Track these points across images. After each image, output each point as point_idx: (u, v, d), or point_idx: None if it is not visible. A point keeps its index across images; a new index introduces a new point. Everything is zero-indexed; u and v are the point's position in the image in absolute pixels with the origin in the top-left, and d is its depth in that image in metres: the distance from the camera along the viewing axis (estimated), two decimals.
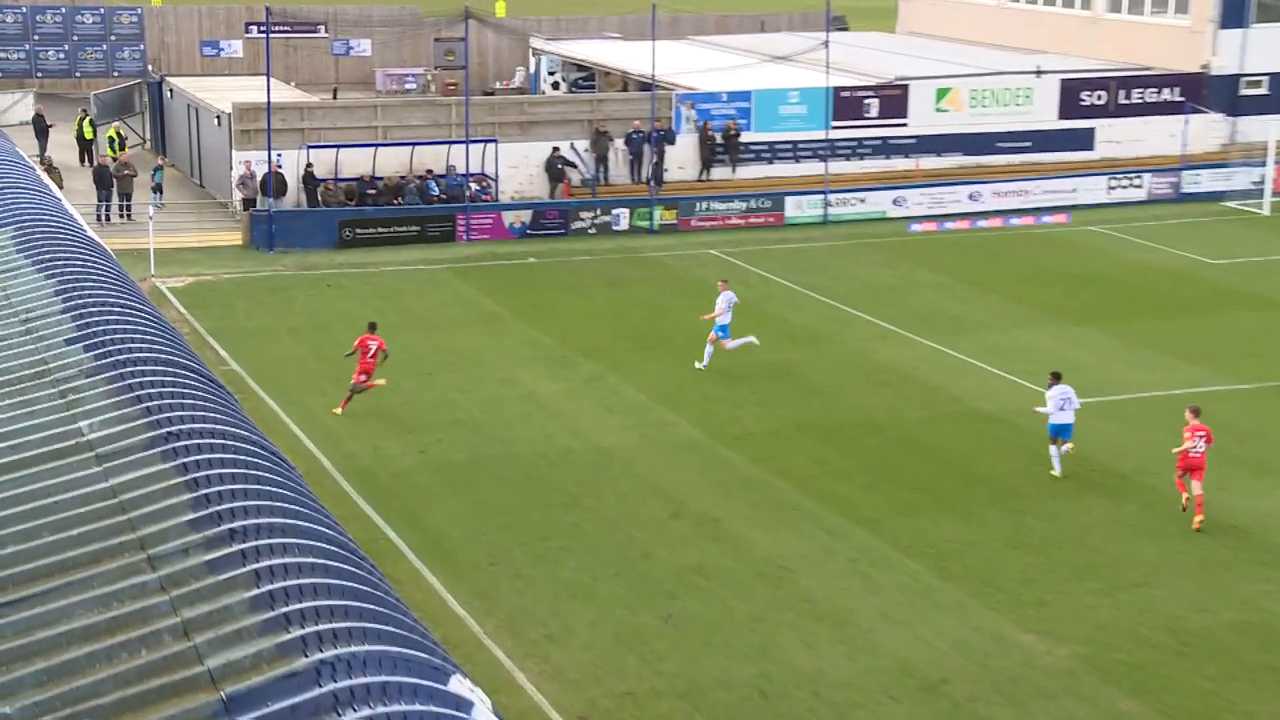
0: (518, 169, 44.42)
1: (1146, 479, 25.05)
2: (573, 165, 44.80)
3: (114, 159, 43.28)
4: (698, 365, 30.36)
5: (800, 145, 47.54)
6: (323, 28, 57.01)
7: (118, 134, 46.06)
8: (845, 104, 47.71)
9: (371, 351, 27.80)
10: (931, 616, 20.35)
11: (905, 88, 48.54)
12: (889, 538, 22.85)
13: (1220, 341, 32.73)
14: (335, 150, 42.52)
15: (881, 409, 28.72)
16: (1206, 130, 50.08)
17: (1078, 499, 24.32)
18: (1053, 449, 24.90)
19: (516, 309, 35.41)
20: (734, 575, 21.55)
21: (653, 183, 44.71)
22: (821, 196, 45.30)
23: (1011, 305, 33.80)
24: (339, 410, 27.77)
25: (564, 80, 57.18)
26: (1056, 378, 25.06)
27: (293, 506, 11.59)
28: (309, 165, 42.04)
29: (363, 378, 27.71)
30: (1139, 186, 47.37)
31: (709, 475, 25.32)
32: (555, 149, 44.51)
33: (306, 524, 11.41)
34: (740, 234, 43.60)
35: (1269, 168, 45.82)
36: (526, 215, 42.93)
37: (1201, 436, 23.04)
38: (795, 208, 45.14)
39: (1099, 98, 50.00)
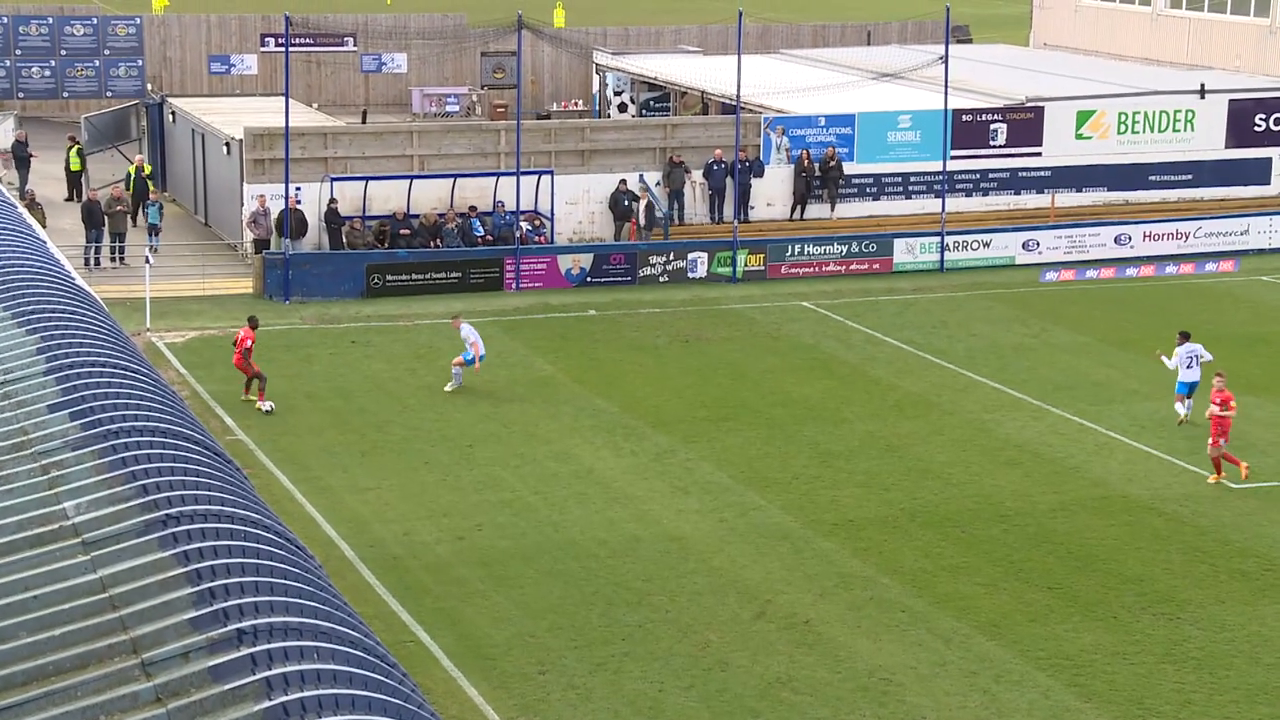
0: (577, 205, 44.91)
1: None
2: (641, 201, 45.21)
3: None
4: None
5: (912, 178, 47.71)
6: (351, 40, 58.00)
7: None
8: (967, 129, 47.87)
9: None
10: None
11: (1040, 110, 48.63)
12: (1017, 647, 22.74)
13: None
14: (363, 183, 43.24)
15: (1008, 493, 28.64)
16: None
17: (1250, 605, 24.10)
18: (1179, 405, 29.35)
19: (574, 371, 35.70)
20: (829, 689, 21.53)
21: (736, 222, 45.03)
22: (937, 239, 45.38)
23: (1166, 371, 33.53)
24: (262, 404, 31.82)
25: (633, 101, 57.79)
26: (1185, 336, 29.59)
27: (310, 603, 11.79)
28: (332, 201, 42.78)
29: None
30: None
31: (800, 569, 25.36)
32: (622, 182, 44.98)
33: (326, 624, 11.61)
34: (839, 283, 43.76)
35: None
36: (587, 260, 43.34)
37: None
38: (905, 252, 45.26)
39: (1277, 122, 49.78)
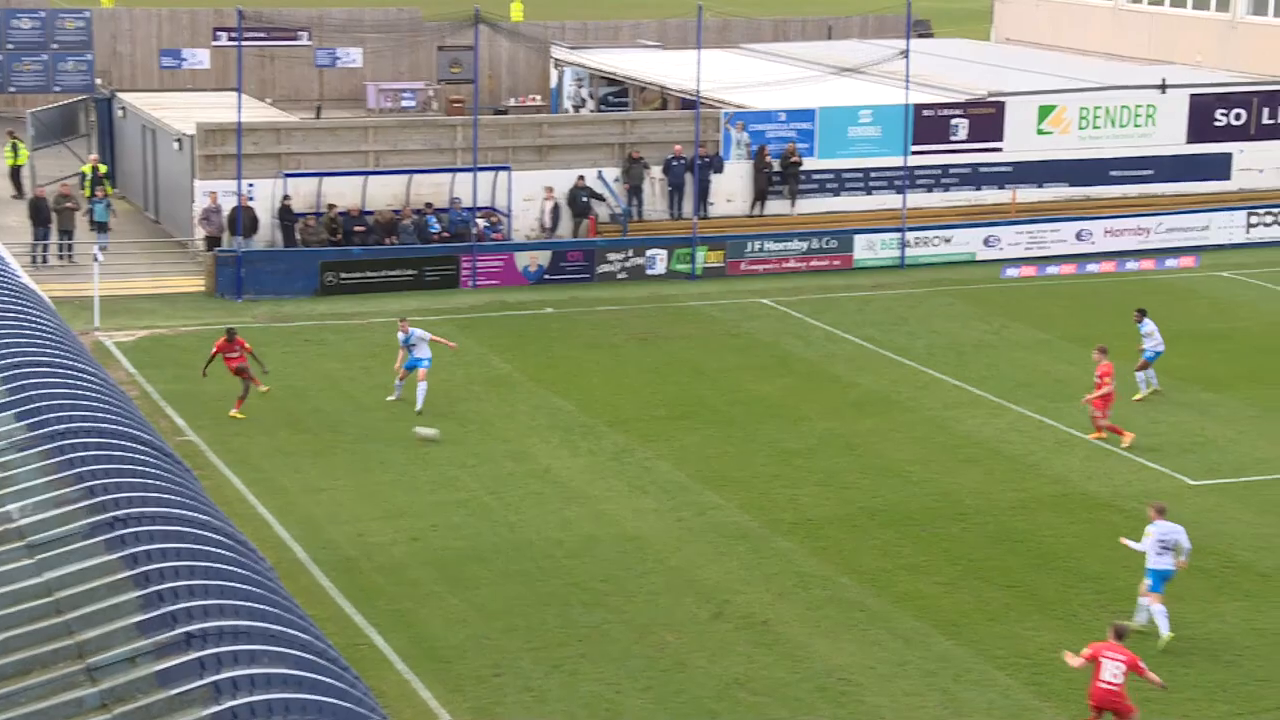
0: (534, 202, 44.95)
1: None
2: (600, 198, 45.29)
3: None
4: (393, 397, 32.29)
5: (873, 174, 47.90)
6: (305, 34, 57.91)
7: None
8: (928, 125, 48.11)
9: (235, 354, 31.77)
10: None
11: (1000, 105, 48.92)
12: (976, 646, 22.91)
13: None
14: (318, 180, 43.17)
15: (968, 491, 28.84)
16: None
17: (1209, 603, 24.33)
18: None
19: (530, 369, 35.76)
20: (787, 689, 21.66)
21: (696, 219, 45.14)
22: (898, 235, 45.61)
23: (1127, 366, 33.84)
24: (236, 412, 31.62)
25: (591, 97, 57.84)
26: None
27: (260, 606, 11.82)
28: (286, 198, 42.70)
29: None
30: None
31: (759, 569, 25.48)
32: (580, 179, 45.04)
33: (276, 627, 11.64)
34: (799, 279, 43.92)
35: None
36: (544, 257, 43.40)
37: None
38: (866, 248, 45.47)
39: (1237, 117, 50.19)
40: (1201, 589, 24.80)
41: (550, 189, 44.49)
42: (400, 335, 33.05)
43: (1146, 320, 33.63)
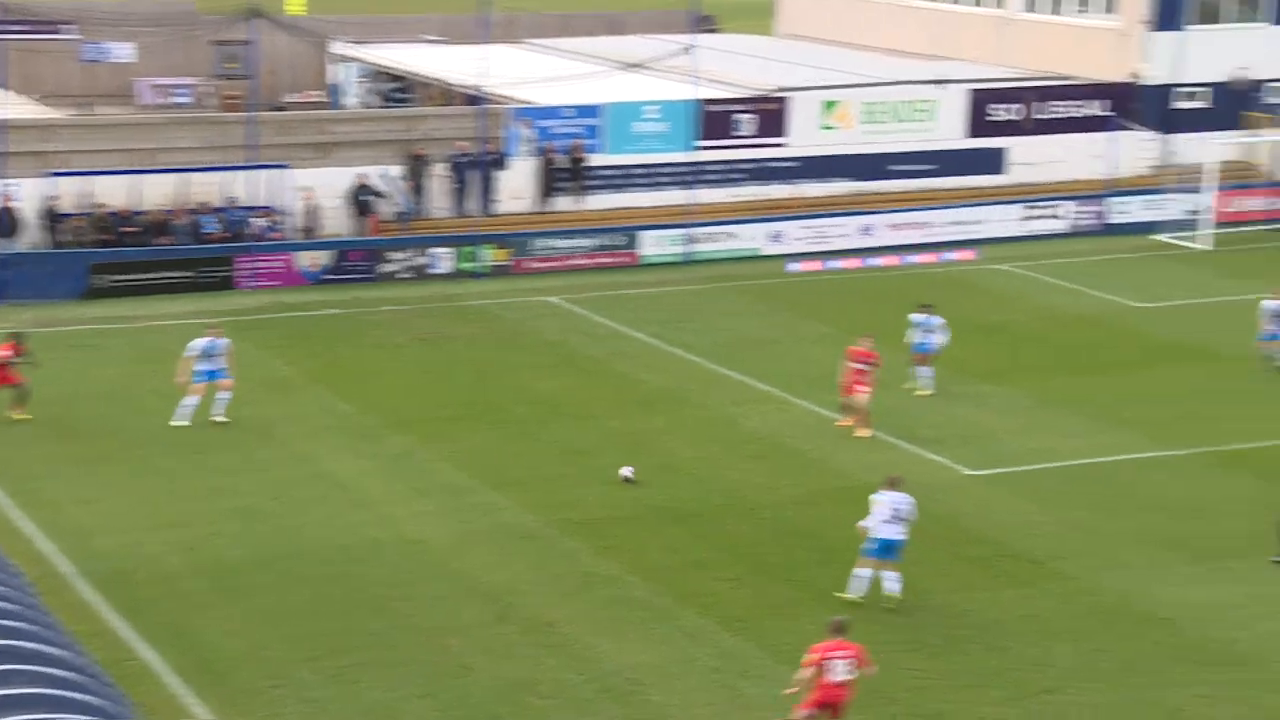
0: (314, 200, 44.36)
1: (1063, 565, 25.81)
2: (382, 195, 44.90)
3: None
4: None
5: (659, 170, 48.19)
6: (69, 28, 56.37)
7: None
8: (713, 120, 48.56)
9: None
10: None
11: (785, 101, 49.60)
12: (762, 642, 23.18)
13: (1152, 401, 33.88)
14: (86, 179, 42.08)
15: (754, 487, 29.18)
16: (1136, 150, 51.91)
17: (985, 591, 24.95)
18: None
19: (311, 372, 35.30)
20: (573, 691, 21.68)
21: (481, 216, 44.97)
22: (684, 231, 45.97)
23: (905, 357, 34.57)
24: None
25: (373, 93, 57.29)
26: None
27: (12, 623, 11.52)
28: (52, 198, 41.54)
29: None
30: (1059, 217, 48.92)
31: (544, 570, 25.48)
32: (361, 176, 44.59)
33: (30, 645, 11.35)
34: (586, 277, 44.04)
35: (1208, 195, 47.62)
36: (325, 257, 42.88)
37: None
38: (653, 245, 45.76)
39: (1013, 112, 51.59)
40: (977, 577, 25.43)
41: (308, 190, 43.68)
42: (202, 342, 31.81)
43: (933, 315, 34.23)
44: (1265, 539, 26.51)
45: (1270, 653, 22.88)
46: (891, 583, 24.07)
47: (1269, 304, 35.48)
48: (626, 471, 29.23)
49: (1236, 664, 22.62)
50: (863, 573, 24.16)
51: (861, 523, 24.23)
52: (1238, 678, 22.18)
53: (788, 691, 20.16)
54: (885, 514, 23.97)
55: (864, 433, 31.41)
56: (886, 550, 24.03)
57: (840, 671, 19.71)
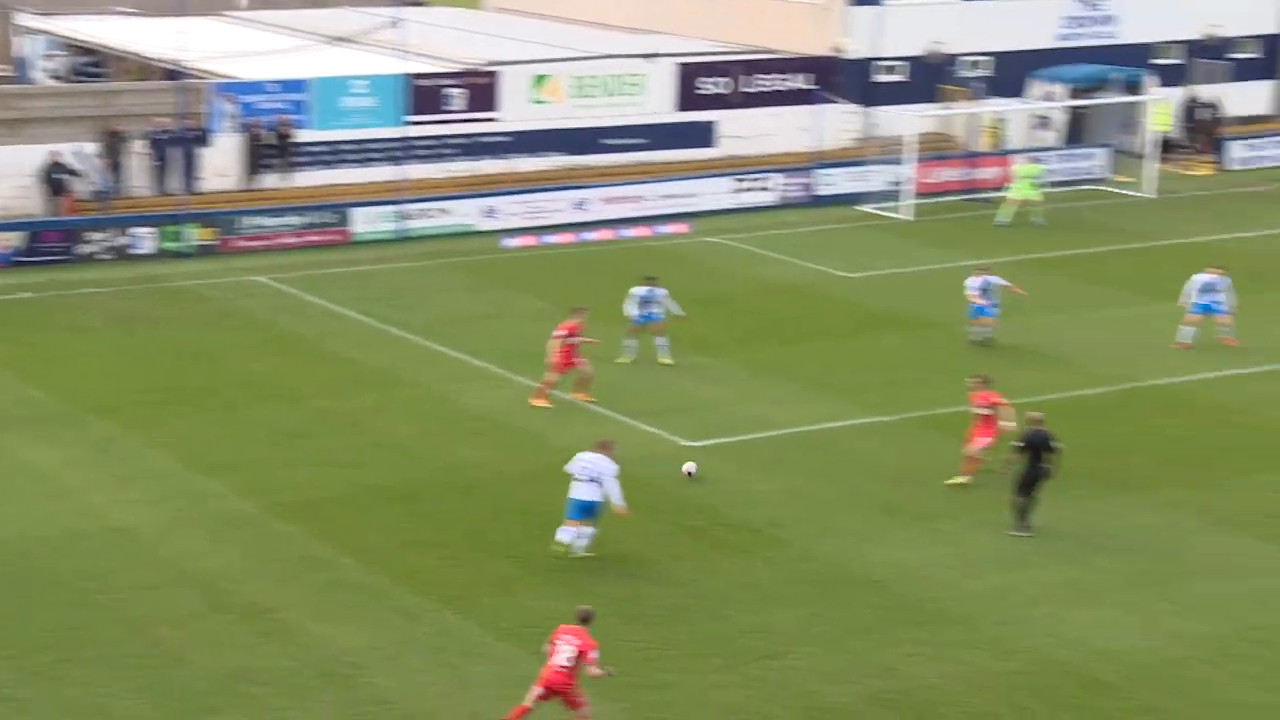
0: (4, 180, 42.63)
1: (780, 533, 26.32)
2: (77, 174, 43.37)
3: None
4: None
5: (369, 145, 47.67)
6: None
7: None
8: (423, 95, 48.20)
9: None
10: (533, 713, 20.69)
11: (495, 75, 49.45)
12: (482, 619, 23.14)
13: (859, 368, 34.77)
14: None
15: (473, 464, 29.07)
16: (840, 123, 53.18)
17: (704, 561, 25.30)
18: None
19: (4, 358, 33.98)
20: (292, 678, 21.34)
21: (184, 195, 43.81)
22: (396, 207, 45.51)
23: (622, 336, 34.83)
24: None
25: (64, 67, 55.28)
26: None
27: None
28: None
29: None
30: (768, 189, 49.82)
31: (259, 556, 24.99)
32: (54, 154, 43.00)
33: None
34: (296, 256, 43.27)
35: (909, 166, 49.05)
36: (17, 238, 41.27)
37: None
38: (364, 222, 45.19)
39: (721, 86, 52.33)
40: (696, 547, 25.77)
41: None
42: None
43: (656, 287, 34.41)
44: (970, 501, 27.45)
45: (976, 611, 23.69)
46: (580, 539, 24.76)
47: (973, 281, 36.21)
48: (690, 467, 28.51)
49: (945, 623, 23.36)
50: (566, 531, 24.80)
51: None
52: (947, 637, 22.91)
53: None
54: (579, 475, 24.65)
55: (540, 402, 31.70)
56: (582, 511, 24.68)
57: (562, 655, 19.66)
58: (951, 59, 54.91)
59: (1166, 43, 57.67)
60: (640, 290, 34.44)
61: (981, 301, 35.90)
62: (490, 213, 46.53)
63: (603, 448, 24.99)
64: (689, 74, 52.01)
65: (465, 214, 46.36)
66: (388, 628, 22.86)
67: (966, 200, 50.72)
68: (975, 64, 55.21)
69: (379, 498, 27.45)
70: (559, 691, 19.68)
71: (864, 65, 54.08)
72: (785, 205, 49.64)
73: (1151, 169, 51.81)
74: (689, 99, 51.92)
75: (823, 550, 25.70)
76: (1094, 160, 53.74)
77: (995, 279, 36.08)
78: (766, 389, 33.36)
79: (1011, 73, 55.23)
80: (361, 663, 21.85)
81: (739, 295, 40.41)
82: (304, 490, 27.61)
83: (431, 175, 48.08)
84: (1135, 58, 56.61)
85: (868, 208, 49.46)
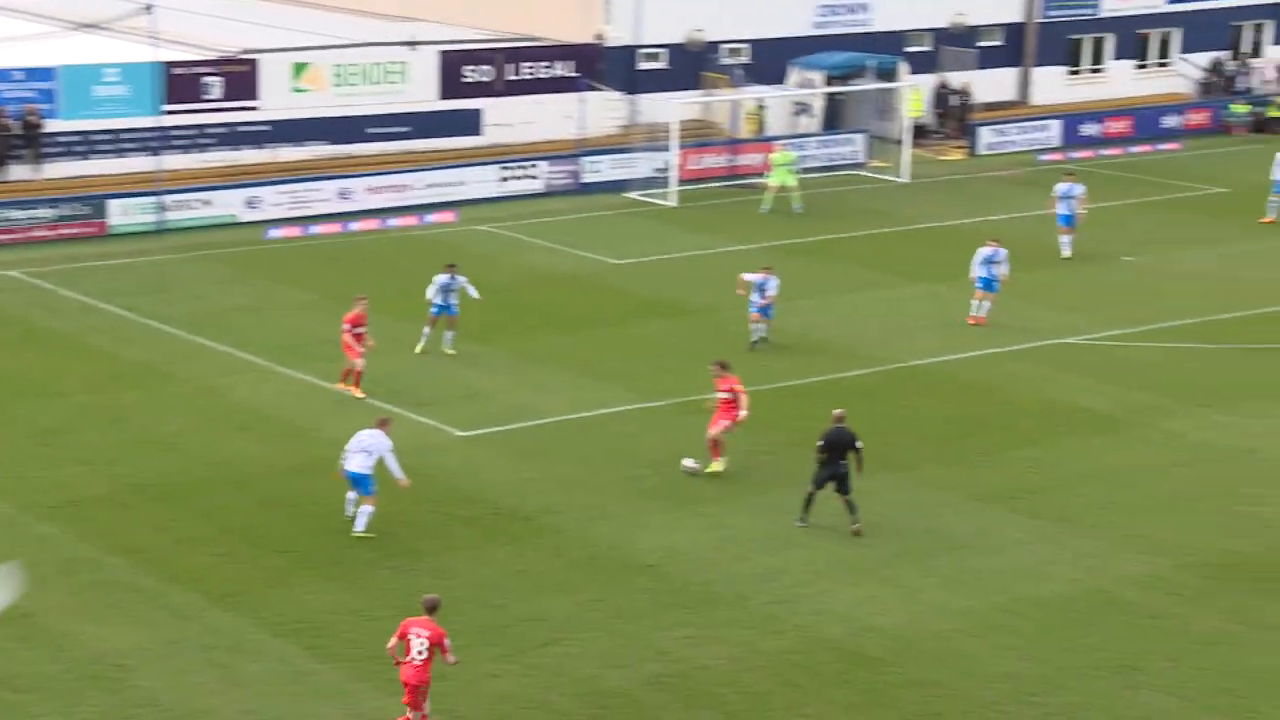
0: None
1: (554, 520, 26.46)
2: None
3: None
4: None
5: (124, 135, 46.57)
6: None
7: None
8: (180, 83, 47.23)
9: None
10: (308, 707, 20.55)
11: (254, 63, 48.65)
12: (254, 615, 22.87)
13: (628, 355, 35.06)
14: None
15: (242, 459, 28.67)
16: (604, 111, 53.48)
17: (477, 550, 25.31)
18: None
19: None
20: (54, 683, 20.86)
21: None
22: (155, 199, 44.51)
23: (399, 324, 34.64)
24: None
25: None
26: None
27: None
28: None
29: None
30: (535, 177, 49.89)
31: (18, 558, 24.22)
32: None
33: None
34: (49, 249, 42.12)
35: (673, 153, 49.55)
36: None
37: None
38: (121, 213, 44.14)
39: (484, 74, 52.22)
40: (470, 536, 25.78)
41: None
42: None
43: (457, 275, 34.20)
44: (737, 484, 27.91)
45: (747, 592, 24.12)
46: (360, 518, 25.38)
47: (751, 277, 35.26)
48: (689, 463, 28.19)
49: (717, 605, 23.74)
50: (350, 497, 25.68)
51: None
52: (719, 618, 23.29)
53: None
54: (351, 448, 25.45)
55: (357, 392, 31.60)
56: (355, 482, 25.46)
57: (415, 648, 19.41)
58: (713, 46, 55.58)
59: (917, 30, 59.15)
60: (442, 278, 34.16)
61: (764, 301, 34.85)
62: (253, 203, 45.78)
63: (381, 424, 25.72)
64: (452, 62, 51.80)
65: (227, 205, 45.53)
66: (156, 627, 22.46)
67: (730, 186, 51.43)
68: (735, 51, 55.97)
69: (146, 495, 26.91)
70: (417, 686, 19.41)
71: (627, 52, 54.45)
72: (552, 193, 49.77)
73: (906, 154, 53.15)
74: (453, 87, 51.71)
75: (596, 536, 25.90)
76: (852, 146, 54.91)
77: (775, 280, 34.91)
78: (538, 377, 33.46)
79: (771, 60, 56.13)
80: (129, 664, 21.44)
81: (509, 284, 40.39)
82: (67, 489, 26.93)
83: (191, 165, 47.13)
84: (888, 45, 57.98)
85: (634, 195, 49.86)
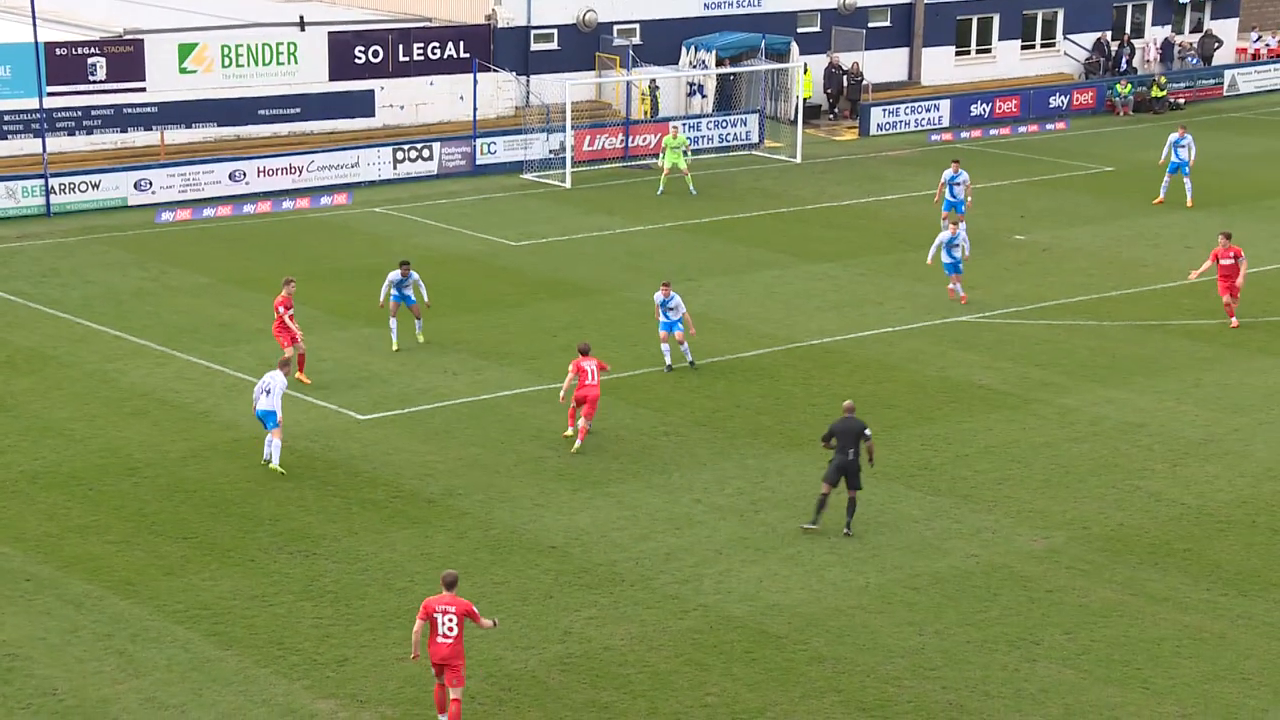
0: None
1: (457, 502, 26.33)
2: None
3: None
4: None
5: (7, 117, 45.75)
6: None
7: None
8: (63, 64, 46.48)
9: None
10: (210, 694, 20.34)
11: (139, 43, 47.93)
12: (153, 603, 22.59)
13: (528, 336, 34.94)
14: None
15: (137, 444, 28.28)
16: (498, 92, 53.26)
17: (381, 534, 25.14)
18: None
19: None
20: None
21: None
22: (41, 181, 43.77)
23: (299, 309, 34.20)
24: None
25: None
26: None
27: None
28: None
29: None
30: (429, 159, 49.58)
31: None
32: None
33: None
34: None
35: (568, 134, 49.44)
36: None
37: None
38: (7, 197, 43.38)
39: (376, 54, 51.79)
40: (372, 520, 25.61)
41: None
42: None
43: (411, 274, 33.21)
44: (640, 464, 27.92)
45: (651, 572, 24.15)
46: (274, 453, 27.00)
47: (657, 296, 32.66)
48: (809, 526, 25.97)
49: (622, 584, 23.75)
50: (268, 443, 27.04)
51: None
52: (624, 597, 23.30)
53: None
54: (258, 390, 27.05)
55: (302, 378, 31.27)
56: (263, 419, 27.04)
57: (444, 626, 19.23)
58: (605, 27, 55.50)
59: (808, 11, 59.43)
60: (395, 275, 33.32)
61: (673, 316, 32.20)
62: (143, 186, 45.12)
63: (281, 366, 27.54)
64: (342, 43, 51.33)
65: (116, 188, 44.86)
66: (53, 617, 22.11)
67: (625, 167, 51.41)
68: (627, 32, 55.94)
69: (39, 483, 26.47)
70: (449, 663, 19.27)
71: (521, 33, 54.23)
72: (447, 175, 49.51)
73: (798, 135, 53.39)
74: (343, 68, 51.26)
75: (499, 517, 25.82)
76: (746, 126, 55.09)
77: (677, 298, 32.14)
78: (438, 359, 33.26)
79: (663, 41, 56.17)
80: (25, 654, 21.10)
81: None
82: None
83: (78, 148, 46.38)
84: (780, 26, 58.20)
85: (529, 176, 49.70)
